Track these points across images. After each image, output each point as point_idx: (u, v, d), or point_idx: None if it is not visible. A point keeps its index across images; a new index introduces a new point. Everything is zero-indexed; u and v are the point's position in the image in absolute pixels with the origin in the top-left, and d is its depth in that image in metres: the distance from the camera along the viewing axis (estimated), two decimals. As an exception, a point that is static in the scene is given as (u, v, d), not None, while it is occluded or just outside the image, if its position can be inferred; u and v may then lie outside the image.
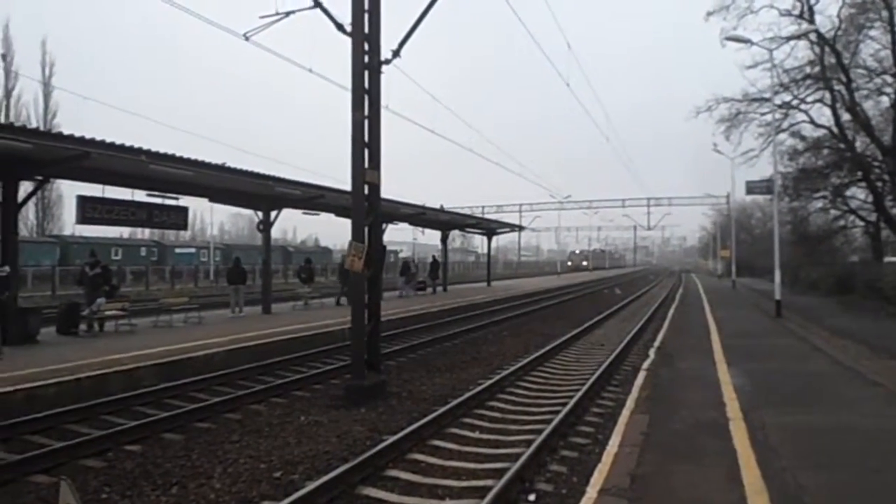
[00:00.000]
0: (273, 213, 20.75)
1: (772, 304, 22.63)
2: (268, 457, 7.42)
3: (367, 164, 10.94)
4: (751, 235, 70.06)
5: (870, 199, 31.78)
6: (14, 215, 14.09)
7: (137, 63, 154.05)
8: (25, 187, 15.64)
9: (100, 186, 16.68)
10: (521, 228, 51.20)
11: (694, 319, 20.84)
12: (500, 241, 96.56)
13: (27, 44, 76.51)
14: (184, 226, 19.69)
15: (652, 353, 13.24)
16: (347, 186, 11.17)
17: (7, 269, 12.27)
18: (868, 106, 30.36)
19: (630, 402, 8.63)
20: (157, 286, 41.35)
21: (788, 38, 28.83)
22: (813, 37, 28.98)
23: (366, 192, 10.98)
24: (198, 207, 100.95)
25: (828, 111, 31.39)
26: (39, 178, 14.85)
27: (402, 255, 65.82)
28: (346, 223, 11.60)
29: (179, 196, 18.21)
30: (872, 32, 28.49)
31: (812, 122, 32.20)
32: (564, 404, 9.38)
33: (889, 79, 28.74)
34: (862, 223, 34.21)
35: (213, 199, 20.09)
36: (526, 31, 18.95)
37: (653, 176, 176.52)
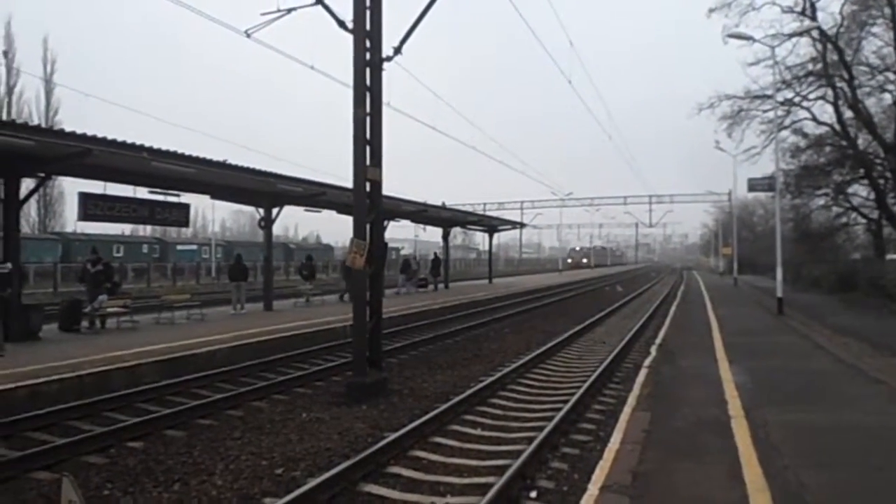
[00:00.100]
0: (274, 210, 20.76)
1: (773, 302, 22.61)
2: (269, 453, 7.42)
3: (368, 162, 10.93)
4: (753, 233, 69.96)
5: (872, 196, 31.75)
6: (16, 212, 14.11)
7: (139, 60, 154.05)
8: (27, 184, 15.66)
9: (101, 183, 16.70)
10: (522, 226, 51.26)
11: (695, 317, 20.83)
12: (501, 238, 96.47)
13: (29, 41, 76.49)
14: (185, 223, 19.70)
15: (654, 350, 13.23)
16: (349, 183, 11.16)
17: (9, 265, 12.28)
18: (870, 103, 30.35)
19: (632, 400, 8.63)
20: (159, 283, 41.41)
21: (790, 35, 28.80)
22: (815, 34, 28.90)
23: (367, 189, 10.98)
24: (199, 204, 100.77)
25: (830, 108, 31.38)
26: (41, 174, 14.85)
27: (403, 252, 65.90)
28: (348, 220, 11.60)
29: (181, 193, 18.23)
30: (875, 29, 28.46)
31: (814, 119, 32.19)
32: (566, 401, 9.38)
33: (891, 76, 28.71)
34: (864, 220, 34.18)
35: (214, 196, 20.11)
36: (528, 29, 18.91)
37: (655, 173, 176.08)
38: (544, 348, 14.61)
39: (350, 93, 10.82)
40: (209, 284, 42.15)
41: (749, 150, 34.76)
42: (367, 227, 10.90)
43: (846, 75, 29.19)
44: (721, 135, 35.67)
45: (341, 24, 11.19)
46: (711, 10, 30.31)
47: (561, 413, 8.56)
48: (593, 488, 5.31)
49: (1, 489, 6.36)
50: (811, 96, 31.59)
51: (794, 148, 33.22)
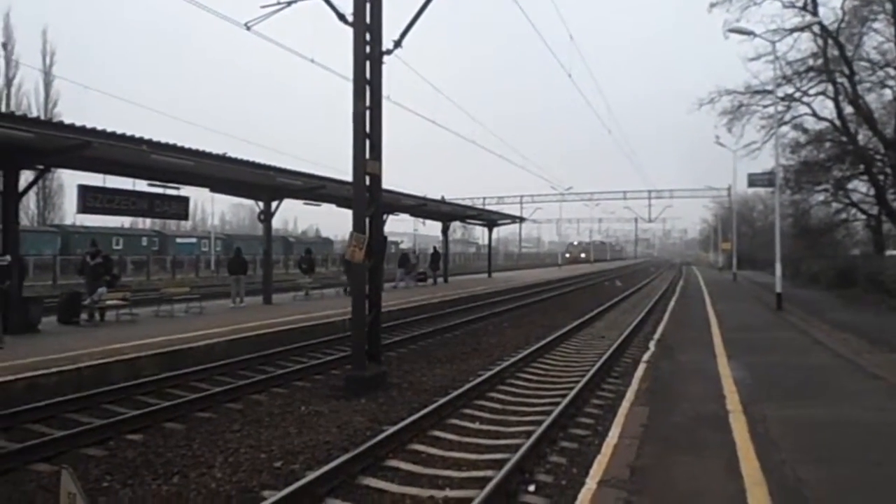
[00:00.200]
0: (274, 204, 20.75)
1: (773, 297, 22.63)
2: (268, 446, 7.44)
3: (368, 155, 10.92)
4: (752, 228, 69.94)
5: (871, 192, 31.71)
6: (15, 204, 14.09)
7: (138, 53, 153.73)
8: (26, 176, 15.67)
9: (101, 176, 16.70)
10: (522, 220, 51.27)
11: (694, 312, 20.84)
12: (501, 232, 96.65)
13: (28, 33, 76.25)
14: (185, 216, 19.72)
15: (652, 345, 13.25)
16: (349, 177, 11.16)
17: (8, 258, 12.28)
18: (871, 99, 30.27)
19: (630, 394, 8.64)
20: (158, 276, 41.40)
21: (791, 31, 28.66)
22: (816, 29, 28.83)
23: (367, 182, 10.97)
24: (199, 197, 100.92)
25: (830, 104, 31.30)
26: (40, 167, 14.85)
27: (402, 246, 65.88)
28: (348, 214, 11.60)
29: (180, 186, 18.22)
30: (876, 25, 28.36)
31: (814, 114, 32.11)
32: (564, 396, 9.40)
33: (892, 71, 28.62)
34: (863, 216, 34.15)
35: (214, 189, 20.10)
36: (528, 23, 18.89)
37: (654, 168, 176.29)
38: (543, 342, 14.62)
39: (350, 86, 10.81)
40: (208, 277, 42.15)
41: (749, 145, 34.71)
42: (367, 220, 10.90)
43: (847, 71, 29.12)
44: (721, 130, 35.66)
45: (341, 17, 11.17)
46: (713, 5, 30.20)
47: (559, 407, 8.57)
48: (591, 482, 5.32)
49: (1, 481, 6.37)
50: (812, 92, 31.54)
51: (794, 143, 33.21)
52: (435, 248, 37.43)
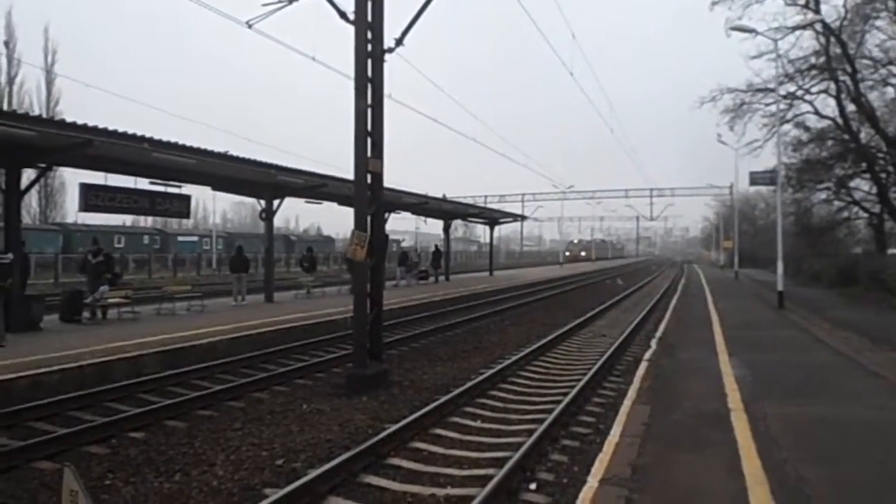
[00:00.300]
0: (275, 202, 20.74)
1: (774, 296, 22.62)
2: (270, 444, 7.45)
3: (369, 153, 10.92)
4: (754, 226, 69.91)
5: (874, 190, 31.67)
6: (17, 203, 14.11)
7: (139, 51, 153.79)
8: (28, 175, 15.68)
9: (102, 174, 16.73)
10: (523, 218, 51.20)
11: (696, 310, 20.83)
12: (502, 230, 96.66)
13: (30, 31, 76.21)
14: (186, 214, 19.72)
15: (654, 343, 13.25)
16: (350, 175, 11.15)
17: (10, 256, 12.29)
18: (873, 97, 30.21)
19: (632, 393, 8.64)
20: (160, 274, 41.42)
21: (794, 28, 28.60)
22: (818, 27, 28.78)
23: (368, 181, 10.97)
24: (200, 196, 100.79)
25: (832, 102, 31.24)
26: (42, 165, 14.85)
27: (404, 244, 65.88)
28: (349, 212, 11.61)
29: (182, 184, 18.22)
30: (878, 22, 28.30)
31: (817, 112, 32.04)
32: (566, 394, 9.40)
33: (895, 69, 28.57)
34: (865, 215, 34.13)
35: (215, 188, 20.12)
36: (530, 21, 18.84)
37: (656, 166, 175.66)
38: (545, 341, 14.62)
39: (352, 84, 10.80)
40: (210, 276, 42.15)
41: (751, 143, 34.74)
42: (368, 218, 10.90)
43: (849, 69, 29.06)
44: (723, 128, 35.64)
45: (343, 15, 11.16)
46: (714, 3, 30.15)
47: (561, 406, 8.57)
48: (593, 481, 5.32)
49: (3, 478, 6.38)
50: (814, 90, 31.49)
51: (796, 142, 33.17)
52: (436, 246, 37.41)
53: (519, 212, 53.10)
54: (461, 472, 6.58)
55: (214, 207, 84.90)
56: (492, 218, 41.61)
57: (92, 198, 15.94)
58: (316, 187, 20.89)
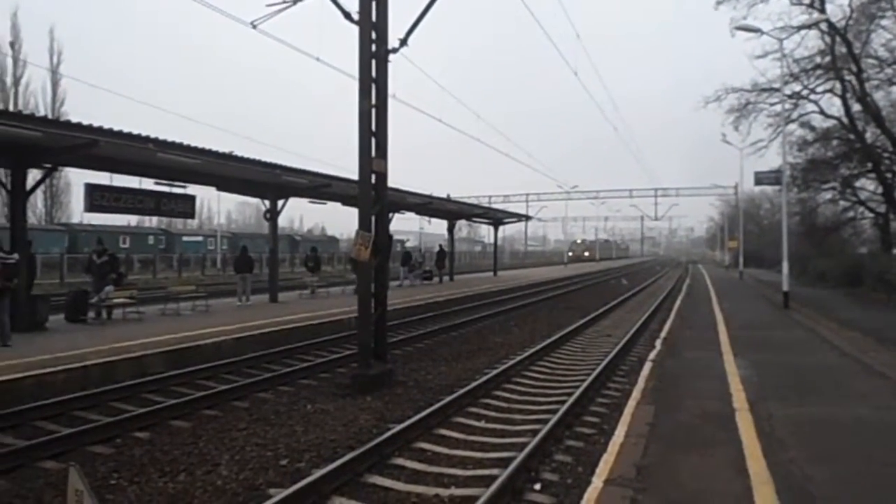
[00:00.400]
0: (280, 202, 20.79)
1: (779, 296, 22.55)
2: (274, 444, 7.46)
3: (374, 153, 10.92)
4: (759, 226, 69.73)
5: (879, 190, 31.56)
6: (23, 203, 14.15)
7: (141, 51, 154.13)
8: (34, 175, 15.71)
9: (108, 174, 16.77)
10: (527, 218, 51.18)
11: (701, 310, 20.79)
12: (506, 230, 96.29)
13: (35, 32, 76.51)
14: (191, 214, 19.76)
15: (658, 343, 13.22)
16: (354, 175, 11.17)
17: (16, 256, 12.32)
18: (879, 96, 30.07)
19: (636, 393, 8.62)
20: (165, 274, 41.53)
21: (799, 28, 28.51)
22: (824, 26, 28.68)
23: (373, 181, 10.98)
24: (205, 196, 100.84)
25: (838, 101, 31.11)
26: (48, 166, 14.88)
27: (408, 244, 65.87)
28: (353, 212, 11.61)
29: (187, 184, 18.27)
30: (884, 22, 28.17)
31: (822, 112, 31.93)
32: (570, 394, 9.39)
33: (901, 68, 28.46)
34: (871, 215, 34.01)
35: (220, 188, 20.15)
36: (535, 21, 18.83)
37: (660, 166, 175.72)
38: (549, 341, 14.61)
39: (356, 84, 10.81)
40: (215, 276, 42.26)
41: (756, 143, 34.54)
42: (373, 219, 10.90)
43: (854, 68, 28.96)
44: (728, 128, 35.50)
45: (347, 15, 11.16)
46: (719, 3, 30.05)
47: (565, 406, 8.56)
48: (597, 481, 5.31)
49: (9, 478, 6.41)
50: (819, 89, 31.36)
51: (801, 141, 33.04)
52: (441, 246, 37.42)
53: (523, 212, 53.11)
54: (465, 473, 6.58)
55: (219, 208, 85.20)
56: (496, 218, 41.59)
57: (97, 198, 15.98)
58: (320, 187, 20.90)
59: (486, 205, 52.90)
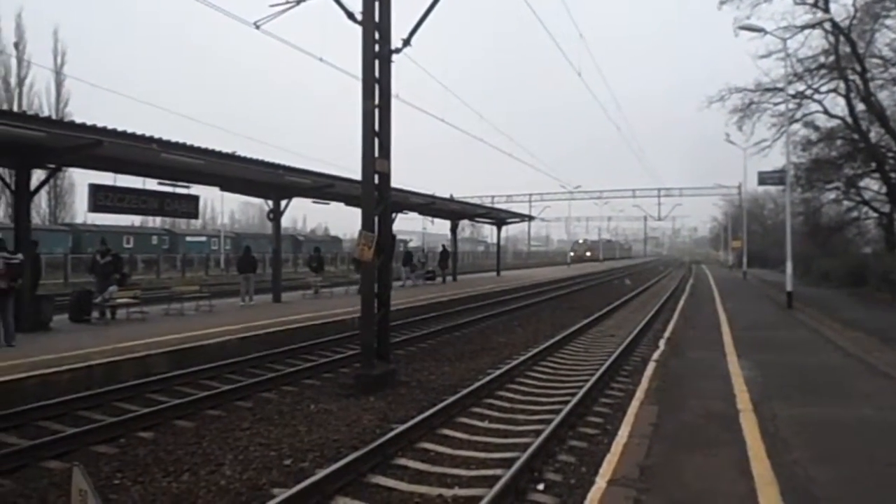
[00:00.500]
0: (283, 202, 20.81)
1: (783, 296, 22.50)
2: (278, 444, 7.46)
3: (377, 154, 10.93)
4: (762, 226, 69.62)
5: (883, 190, 31.50)
6: (27, 203, 14.19)
7: (144, 51, 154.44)
8: (38, 175, 15.75)
9: (111, 175, 16.78)
10: (530, 218, 51.14)
11: (704, 310, 20.75)
12: (509, 230, 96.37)
13: (39, 33, 76.75)
14: (195, 214, 19.78)
15: (662, 343, 13.20)
16: (357, 176, 11.17)
17: (20, 256, 12.35)
18: (883, 96, 30.04)
19: (640, 393, 8.61)
20: (169, 274, 41.58)
21: (803, 28, 28.51)
22: (827, 26, 28.63)
23: (376, 181, 10.98)
24: (208, 196, 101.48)
25: (842, 101, 31.07)
26: (52, 166, 14.92)
27: (411, 244, 65.88)
28: (357, 212, 11.61)
29: (190, 185, 18.29)
30: (888, 21, 28.13)
31: (826, 112, 31.89)
32: (574, 394, 9.38)
33: (905, 68, 28.39)
34: (875, 215, 33.92)
35: (223, 188, 20.16)
36: (538, 21, 18.84)
37: (662, 166, 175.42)
38: (552, 341, 14.60)
39: (359, 85, 10.81)
40: (218, 276, 42.31)
41: (759, 143, 34.48)
42: (376, 219, 10.90)
43: (858, 68, 28.90)
44: (731, 128, 35.45)
45: (350, 15, 11.16)
46: (722, 2, 30.04)
47: (569, 406, 8.55)
48: (601, 481, 5.30)
49: (13, 478, 6.42)
50: (823, 89, 31.31)
51: (805, 141, 33.00)
52: (444, 246, 37.42)
53: (526, 212, 53.15)
54: (469, 473, 6.58)
55: (223, 208, 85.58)
56: (499, 218, 41.58)
57: (101, 198, 16.01)
58: (323, 188, 20.92)
59: (489, 205, 52.89)
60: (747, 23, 26.30)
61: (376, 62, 10.93)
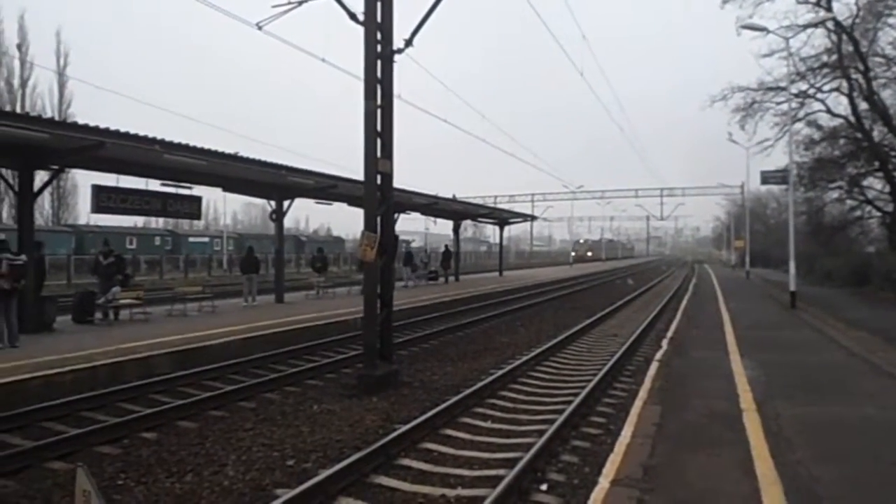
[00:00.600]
0: (286, 203, 20.82)
1: (786, 295, 22.46)
2: (281, 445, 7.47)
3: (379, 154, 10.93)
4: (765, 226, 69.52)
5: (886, 189, 31.42)
6: (30, 205, 14.22)
7: (145, 52, 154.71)
8: (41, 177, 15.78)
9: (114, 176, 16.83)
10: (533, 218, 51.11)
11: (707, 310, 20.72)
12: (512, 231, 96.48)
13: (42, 34, 76.79)
14: (197, 215, 19.82)
15: (665, 343, 13.18)
16: (360, 176, 11.17)
17: (23, 257, 12.37)
18: (886, 95, 29.96)
19: (643, 393, 8.60)
20: (171, 275, 41.63)
21: (805, 27, 28.44)
22: (830, 25, 28.57)
23: (378, 181, 10.98)
24: (211, 197, 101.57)
25: (845, 100, 30.99)
26: (55, 167, 14.95)
27: (413, 244, 65.88)
28: (359, 213, 11.61)
29: (193, 185, 18.31)
30: (891, 20, 28.08)
31: (829, 111, 31.80)
32: (577, 394, 9.38)
33: (908, 67, 28.33)
34: (878, 214, 33.84)
35: (226, 189, 20.19)
36: (540, 21, 18.80)
37: (665, 165, 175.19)
38: (555, 341, 14.59)
39: (361, 85, 10.81)
40: (221, 276, 42.38)
41: (762, 142, 34.45)
42: (378, 219, 10.91)
43: (861, 67, 28.83)
44: (734, 127, 35.41)
45: (352, 16, 11.17)
46: (725, 2, 29.98)
47: (572, 406, 8.55)
48: (604, 482, 5.30)
49: (17, 479, 6.43)
50: (826, 88, 31.24)
51: (807, 140, 32.92)
52: (446, 246, 37.42)
53: (529, 212, 53.06)
54: (472, 473, 6.57)
55: (225, 208, 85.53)
56: (501, 218, 41.58)
57: (104, 199, 16.05)
58: (326, 188, 20.94)
59: (492, 205, 52.93)
60: (750, 22, 26.24)
61: (378, 62, 10.93)
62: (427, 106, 21.81)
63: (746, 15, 28.99)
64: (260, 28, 12.96)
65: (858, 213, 34.76)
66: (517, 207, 61.71)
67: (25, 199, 14.05)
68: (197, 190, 18.75)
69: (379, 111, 10.89)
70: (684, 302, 24.10)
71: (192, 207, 18.83)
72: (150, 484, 6.27)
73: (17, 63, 47.02)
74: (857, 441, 6.41)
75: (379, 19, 10.90)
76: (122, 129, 13.20)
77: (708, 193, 69.71)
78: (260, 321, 15.41)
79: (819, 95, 31.48)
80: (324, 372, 11.70)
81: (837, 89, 30.91)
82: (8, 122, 11.49)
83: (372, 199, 10.85)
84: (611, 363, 11.69)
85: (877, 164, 30.41)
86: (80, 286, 23.75)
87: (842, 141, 31.91)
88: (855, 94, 30.12)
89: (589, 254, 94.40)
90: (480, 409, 9.07)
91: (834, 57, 29.77)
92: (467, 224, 47.46)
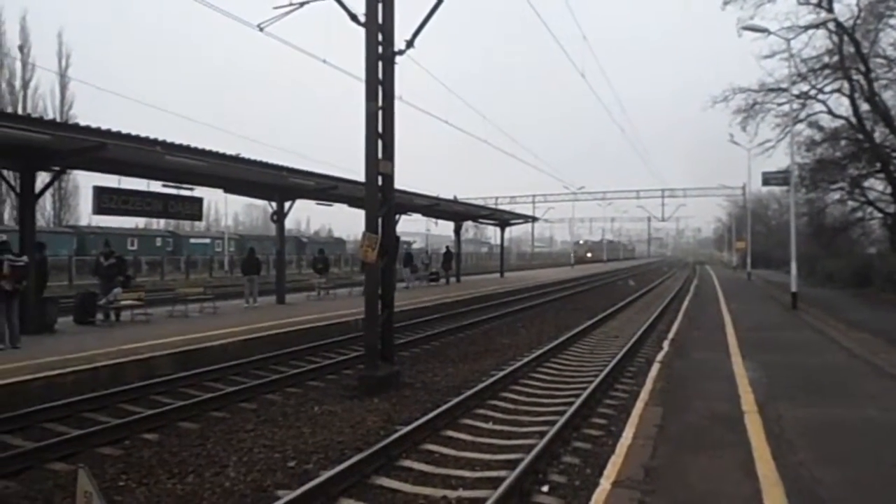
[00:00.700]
0: (287, 204, 20.83)
1: (787, 297, 22.44)
2: (282, 446, 7.46)
3: (380, 155, 10.93)
4: (767, 227, 69.46)
5: (888, 190, 31.40)
6: (31, 206, 14.23)
7: (145, 53, 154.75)
8: (42, 178, 15.78)
9: (116, 177, 16.82)
10: (534, 220, 51.15)
11: (709, 311, 20.71)
12: (513, 232, 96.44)
13: (44, 36, 76.82)
14: (198, 216, 19.82)
15: (666, 345, 13.17)
16: (361, 177, 11.17)
17: (25, 258, 12.38)
18: (887, 96, 29.93)
19: (644, 395, 8.59)
20: (173, 276, 41.65)
21: (806, 28, 28.42)
22: (831, 26, 28.56)
23: (379, 182, 10.98)
24: (212, 198, 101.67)
25: (846, 101, 30.98)
26: (56, 168, 14.95)
27: (415, 246, 65.92)
28: (360, 214, 11.62)
29: (194, 186, 18.32)
30: (892, 21, 28.06)
31: (830, 112, 31.78)
32: (578, 396, 9.37)
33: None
34: (880, 215, 33.84)
35: (227, 190, 20.21)
36: (541, 23, 18.80)
37: (666, 166, 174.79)
38: (556, 342, 14.58)
39: (363, 87, 10.82)
40: (222, 278, 42.37)
41: (763, 143, 34.44)
42: (379, 220, 10.91)
43: (863, 68, 28.82)
44: (735, 128, 35.38)
45: (354, 17, 11.18)
46: (726, 3, 29.96)
47: (573, 408, 8.54)
48: (605, 483, 5.29)
49: (18, 480, 6.43)
50: (827, 89, 31.22)
51: (809, 141, 32.93)
52: (448, 247, 37.41)
53: (530, 213, 53.12)
54: (473, 474, 6.57)
55: (226, 210, 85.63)
56: (502, 219, 41.59)
57: (105, 200, 16.05)
58: (327, 189, 20.95)
59: (493, 206, 52.94)
60: (751, 23, 26.25)
61: (380, 64, 10.94)
62: (428, 107, 21.83)
63: (747, 16, 29.01)
64: (261, 29, 12.98)
65: (860, 214, 34.77)
66: (518, 209, 61.83)
67: (27, 200, 14.06)
68: (198, 191, 18.78)
69: (380, 112, 10.89)
70: (685, 303, 24.08)
71: (194, 209, 18.84)
72: (152, 485, 6.27)
73: (18, 64, 47.18)
74: (858, 443, 6.40)
75: (380, 20, 10.91)
76: (124, 131, 13.20)
77: (709, 195, 69.81)
78: (261, 322, 15.41)
79: (820, 96, 31.51)
80: (325, 373, 11.70)
81: (839, 90, 30.94)
82: (10, 124, 11.51)
83: (373, 201, 10.85)
84: (612, 364, 11.68)
85: (878, 165, 30.40)
86: (82, 287, 23.78)
87: (843, 142, 31.91)
88: (856, 95, 30.12)
89: (590, 255, 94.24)
90: (482, 411, 9.07)
91: (835, 58, 29.78)
92: (468, 225, 47.44)
